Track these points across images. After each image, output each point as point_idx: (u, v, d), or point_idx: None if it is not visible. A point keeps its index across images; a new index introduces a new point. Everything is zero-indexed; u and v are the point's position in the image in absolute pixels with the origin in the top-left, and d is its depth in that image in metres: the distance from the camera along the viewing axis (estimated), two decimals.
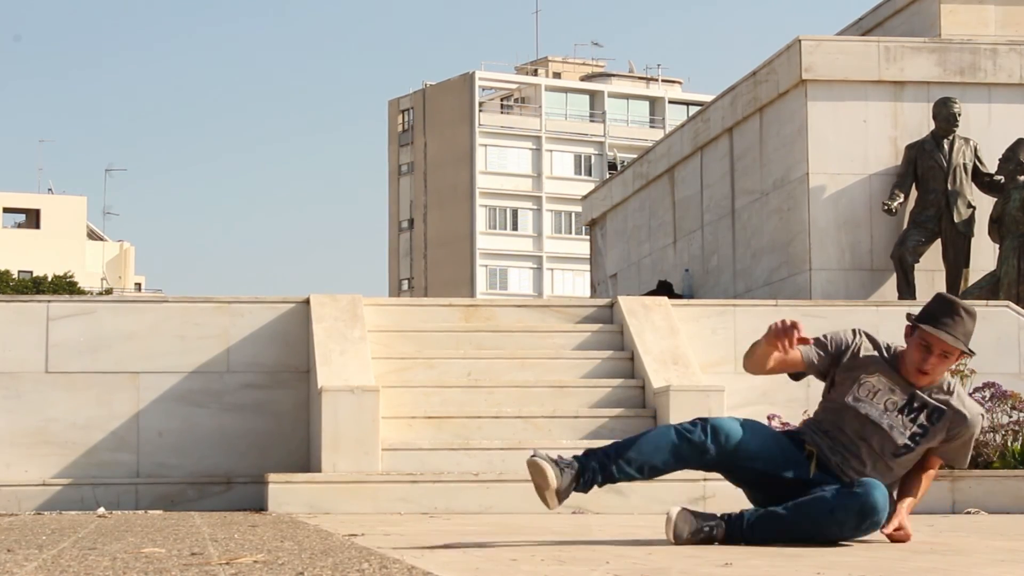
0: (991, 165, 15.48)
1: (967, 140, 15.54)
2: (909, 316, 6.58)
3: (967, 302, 6.63)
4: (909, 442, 6.55)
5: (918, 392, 6.55)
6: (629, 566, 5.51)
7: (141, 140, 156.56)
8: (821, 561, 5.80)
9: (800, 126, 15.72)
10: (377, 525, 8.47)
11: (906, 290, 15.16)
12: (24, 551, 6.20)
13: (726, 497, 10.61)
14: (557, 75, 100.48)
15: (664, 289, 17.76)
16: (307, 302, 12.17)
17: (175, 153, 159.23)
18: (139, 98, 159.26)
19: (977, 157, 15.54)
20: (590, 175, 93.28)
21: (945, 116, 15.48)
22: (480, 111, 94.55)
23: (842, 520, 6.38)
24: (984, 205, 15.40)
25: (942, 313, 6.47)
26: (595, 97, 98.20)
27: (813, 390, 12.45)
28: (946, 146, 15.47)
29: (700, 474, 10.76)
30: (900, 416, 6.55)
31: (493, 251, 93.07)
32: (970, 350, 6.47)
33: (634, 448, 6.49)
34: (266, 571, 5.08)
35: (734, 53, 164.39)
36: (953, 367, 7.63)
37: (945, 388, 6.60)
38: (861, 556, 6.09)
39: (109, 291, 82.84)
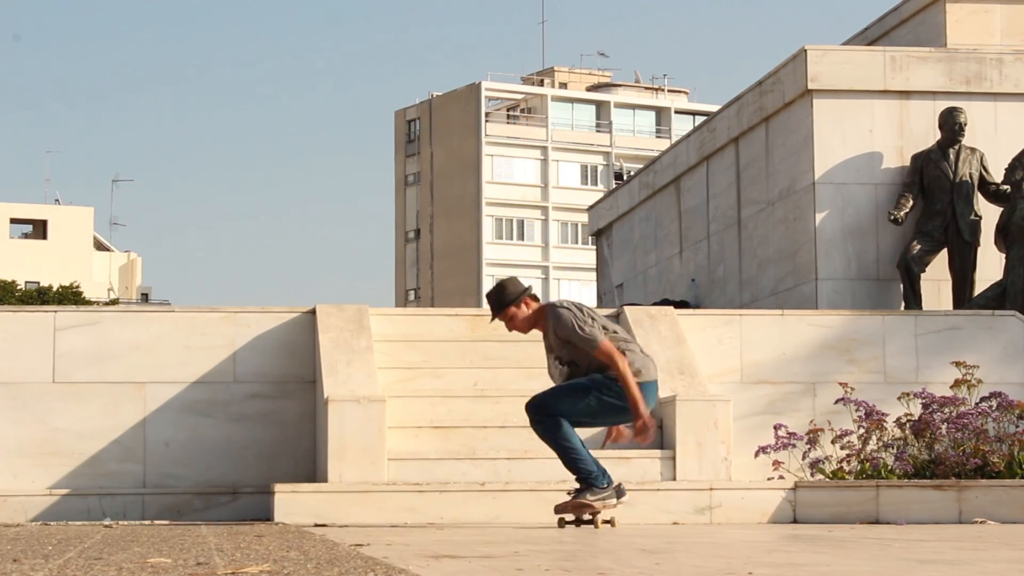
0: (997, 175, 15.46)
1: (973, 150, 15.52)
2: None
3: (500, 283, 9.83)
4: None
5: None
6: None
7: (148, 150, 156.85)
8: (827, 571, 5.80)
9: (806, 136, 15.71)
10: (383, 535, 8.47)
11: (912, 300, 15.13)
12: (30, 561, 6.20)
13: (731, 508, 10.64)
14: (563, 85, 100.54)
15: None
16: (313, 312, 12.18)
17: (182, 163, 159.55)
18: (146, 108, 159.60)
19: (983, 167, 15.51)
20: (596, 185, 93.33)
21: (951, 125, 15.45)
22: (487, 121, 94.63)
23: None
24: (990, 214, 15.37)
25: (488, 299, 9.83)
26: (601, 107, 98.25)
27: (819, 400, 12.46)
28: (952, 156, 15.45)
29: (707, 483, 10.76)
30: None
31: (500, 261, 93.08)
32: (498, 312, 9.80)
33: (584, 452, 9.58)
34: None
35: (740, 63, 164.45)
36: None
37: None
38: (866, 565, 6.08)
39: (115, 301, 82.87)
